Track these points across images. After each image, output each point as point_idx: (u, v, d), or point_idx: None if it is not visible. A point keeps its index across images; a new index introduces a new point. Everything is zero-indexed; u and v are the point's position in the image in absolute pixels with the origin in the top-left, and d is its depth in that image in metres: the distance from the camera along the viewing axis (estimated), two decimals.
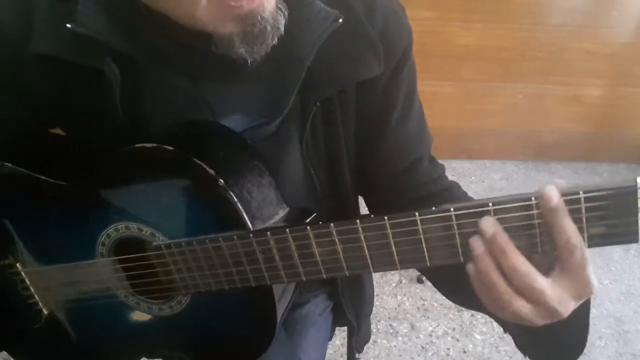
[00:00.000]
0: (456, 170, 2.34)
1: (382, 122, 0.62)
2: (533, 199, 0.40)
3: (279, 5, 0.48)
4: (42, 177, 0.57)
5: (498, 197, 0.42)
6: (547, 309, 0.42)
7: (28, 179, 0.57)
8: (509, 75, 2.19)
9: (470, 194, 2.30)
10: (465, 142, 2.38)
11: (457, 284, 0.56)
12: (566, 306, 0.42)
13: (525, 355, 0.55)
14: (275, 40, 0.49)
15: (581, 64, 2.14)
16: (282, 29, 0.49)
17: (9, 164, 0.57)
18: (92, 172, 0.55)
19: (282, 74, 0.55)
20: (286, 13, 0.49)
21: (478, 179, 2.31)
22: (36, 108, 0.59)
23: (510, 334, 0.55)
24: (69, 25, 0.49)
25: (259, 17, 0.46)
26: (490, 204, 0.41)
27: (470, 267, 0.44)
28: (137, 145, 0.50)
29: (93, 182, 0.55)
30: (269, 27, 0.47)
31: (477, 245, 0.42)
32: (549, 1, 2.02)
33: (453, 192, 0.65)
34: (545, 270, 0.42)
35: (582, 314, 0.46)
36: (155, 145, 0.50)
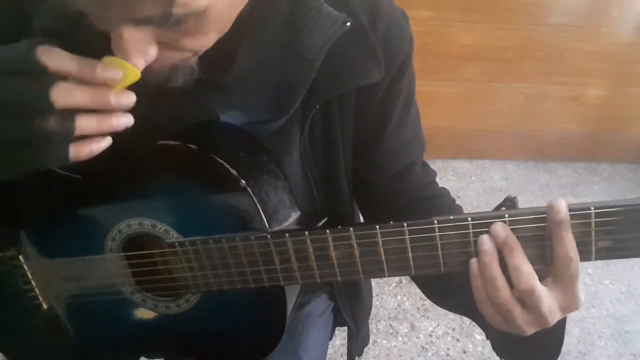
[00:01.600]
0: (456, 170, 2.33)
1: (379, 127, 0.62)
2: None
3: (188, 66, 0.47)
4: (56, 169, 0.56)
5: (515, 209, 0.45)
6: (538, 317, 0.45)
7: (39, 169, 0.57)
8: (510, 76, 2.19)
9: (470, 194, 2.29)
10: (466, 142, 2.38)
11: (446, 285, 0.58)
12: (554, 316, 0.45)
13: (501, 358, 0.57)
14: (173, 85, 0.47)
15: (582, 64, 2.15)
16: (181, 82, 0.47)
17: None
18: (108, 166, 0.55)
19: (288, 74, 0.55)
20: (195, 74, 0.48)
21: (478, 179, 2.31)
22: None
23: (490, 339, 0.57)
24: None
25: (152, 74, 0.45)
26: (507, 215, 0.44)
27: (472, 262, 0.46)
28: (159, 142, 0.50)
29: (109, 177, 0.55)
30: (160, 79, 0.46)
31: (485, 240, 0.45)
32: (549, 1, 2.02)
33: (443, 199, 0.68)
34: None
35: (559, 327, 0.49)
36: (178, 143, 0.50)
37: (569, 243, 0.42)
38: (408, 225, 0.45)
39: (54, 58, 0.41)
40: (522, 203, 0.45)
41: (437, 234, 0.45)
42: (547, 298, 0.44)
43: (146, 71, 0.42)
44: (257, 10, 0.50)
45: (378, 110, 0.61)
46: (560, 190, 2.27)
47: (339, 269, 0.49)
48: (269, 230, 0.50)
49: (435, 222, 0.45)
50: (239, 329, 0.59)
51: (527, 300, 0.44)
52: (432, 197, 0.67)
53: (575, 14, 2.04)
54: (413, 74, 0.63)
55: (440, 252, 0.46)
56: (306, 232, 0.48)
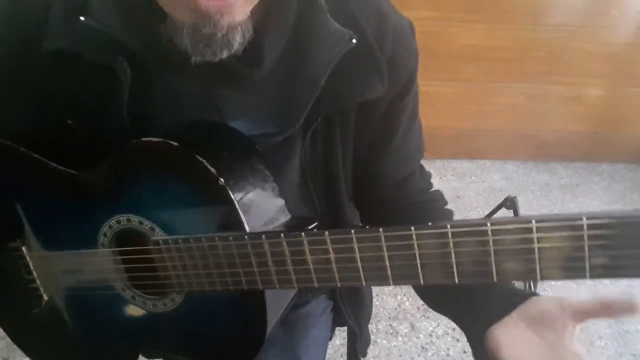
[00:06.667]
0: (456, 170, 2.33)
1: (384, 141, 0.62)
2: (534, 221, 0.39)
3: (244, 26, 0.47)
4: (55, 164, 0.57)
5: (498, 217, 0.41)
6: None
7: (41, 165, 0.58)
8: (510, 75, 2.19)
9: (470, 194, 2.29)
10: (465, 142, 2.37)
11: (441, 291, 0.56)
12: None
13: None
14: (225, 54, 0.48)
15: (581, 64, 2.15)
16: (236, 47, 0.48)
17: (24, 149, 0.58)
18: (100, 162, 0.55)
19: (293, 89, 0.55)
20: (248, 35, 0.48)
21: (478, 179, 2.31)
22: (47, 101, 0.59)
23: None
24: (81, 18, 0.49)
25: (213, 21, 0.45)
26: (488, 224, 0.40)
27: None
28: (143, 139, 0.51)
29: (99, 172, 0.56)
30: (218, 35, 0.46)
31: None
32: (549, 1, 2.02)
33: (437, 204, 0.68)
34: None
35: None
36: (161, 140, 0.50)
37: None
38: (384, 231, 0.42)
39: None
40: (522, 203, 0.42)
41: (415, 241, 0.42)
42: None
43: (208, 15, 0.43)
44: (271, 16, 0.50)
45: (381, 124, 0.61)
46: (560, 190, 2.27)
47: (316, 275, 0.47)
48: (247, 231, 0.50)
49: (413, 228, 0.41)
50: (221, 331, 0.59)
51: None
52: (428, 202, 0.67)
53: (575, 14, 2.04)
54: (417, 87, 0.63)
55: (418, 262, 0.43)
56: (282, 234, 0.46)
